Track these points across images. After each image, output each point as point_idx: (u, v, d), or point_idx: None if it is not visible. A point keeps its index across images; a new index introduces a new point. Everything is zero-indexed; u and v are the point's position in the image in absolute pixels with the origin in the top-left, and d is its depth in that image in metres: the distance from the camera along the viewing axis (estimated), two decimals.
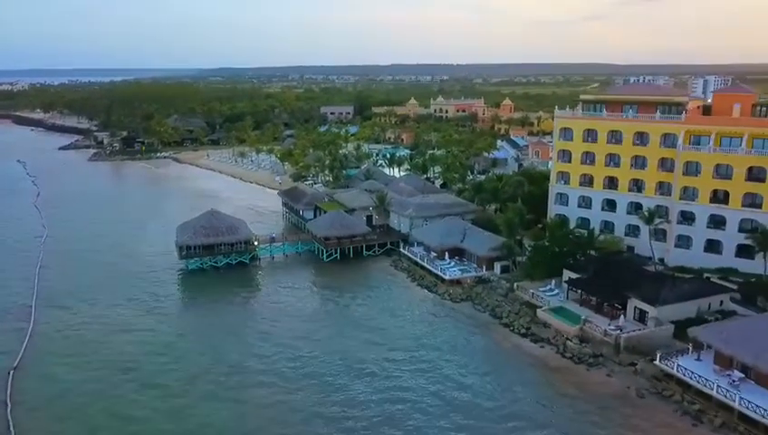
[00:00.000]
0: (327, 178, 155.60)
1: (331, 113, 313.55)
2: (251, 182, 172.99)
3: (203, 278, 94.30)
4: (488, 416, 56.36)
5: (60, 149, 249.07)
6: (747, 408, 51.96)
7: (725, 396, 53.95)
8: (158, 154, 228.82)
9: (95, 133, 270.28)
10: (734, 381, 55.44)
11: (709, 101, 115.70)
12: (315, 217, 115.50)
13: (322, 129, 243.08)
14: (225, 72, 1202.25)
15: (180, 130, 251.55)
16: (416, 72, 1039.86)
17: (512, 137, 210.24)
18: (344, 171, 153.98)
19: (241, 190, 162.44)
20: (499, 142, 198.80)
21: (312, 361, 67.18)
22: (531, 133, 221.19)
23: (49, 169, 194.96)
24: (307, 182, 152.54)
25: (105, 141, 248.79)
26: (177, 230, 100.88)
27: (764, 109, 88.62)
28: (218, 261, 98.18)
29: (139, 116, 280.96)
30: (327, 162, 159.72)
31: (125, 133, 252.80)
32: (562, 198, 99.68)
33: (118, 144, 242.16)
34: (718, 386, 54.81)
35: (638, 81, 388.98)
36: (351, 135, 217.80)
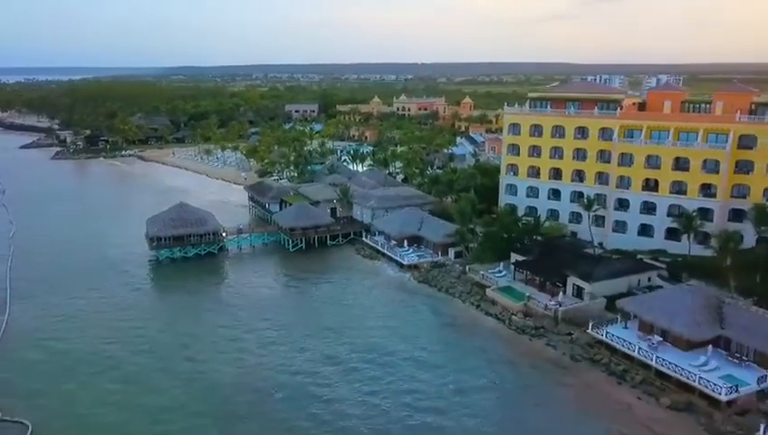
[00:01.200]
0: (292, 174, 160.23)
1: (296, 111, 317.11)
2: (217, 178, 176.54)
3: (174, 267, 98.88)
4: (443, 371, 64.07)
5: (21, 147, 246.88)
6: (662, 365, 59.70)
7: (645, 356, 61.62)
8: (123, 152, 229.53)
9: (57, 132, 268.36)
10: (653, 344, 63.14)
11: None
12: (281, 209, 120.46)
13: (287, 126, 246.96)
14: (187, 70, 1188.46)
15: (145, 129, 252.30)
16: (381, 70, 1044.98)
17: (470, 134, 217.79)
18: (309, 167, 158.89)
19: (208, 186, 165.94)
20: (458, 139, 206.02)
21: (283, 329, 74.58)
22: (489, 130, 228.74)
23: (12, 167, 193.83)
24: (272, 178, 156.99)
25: (68, 140, 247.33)
26: (147, 223, 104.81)
27: (691, 105, 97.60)
28: (188, 251, 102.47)
29: (102, 114, 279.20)
30: (292, 158, 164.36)
31: (88, 132, 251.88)
32: (512, 189, 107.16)
33: (81, 143, 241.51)
34: (639, 348, 62.51)
35: (595, 80, 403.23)
36: (316, 132, 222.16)
